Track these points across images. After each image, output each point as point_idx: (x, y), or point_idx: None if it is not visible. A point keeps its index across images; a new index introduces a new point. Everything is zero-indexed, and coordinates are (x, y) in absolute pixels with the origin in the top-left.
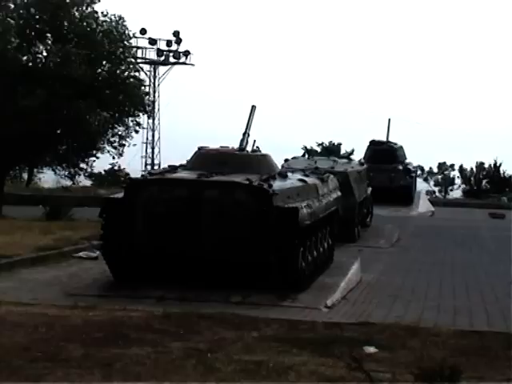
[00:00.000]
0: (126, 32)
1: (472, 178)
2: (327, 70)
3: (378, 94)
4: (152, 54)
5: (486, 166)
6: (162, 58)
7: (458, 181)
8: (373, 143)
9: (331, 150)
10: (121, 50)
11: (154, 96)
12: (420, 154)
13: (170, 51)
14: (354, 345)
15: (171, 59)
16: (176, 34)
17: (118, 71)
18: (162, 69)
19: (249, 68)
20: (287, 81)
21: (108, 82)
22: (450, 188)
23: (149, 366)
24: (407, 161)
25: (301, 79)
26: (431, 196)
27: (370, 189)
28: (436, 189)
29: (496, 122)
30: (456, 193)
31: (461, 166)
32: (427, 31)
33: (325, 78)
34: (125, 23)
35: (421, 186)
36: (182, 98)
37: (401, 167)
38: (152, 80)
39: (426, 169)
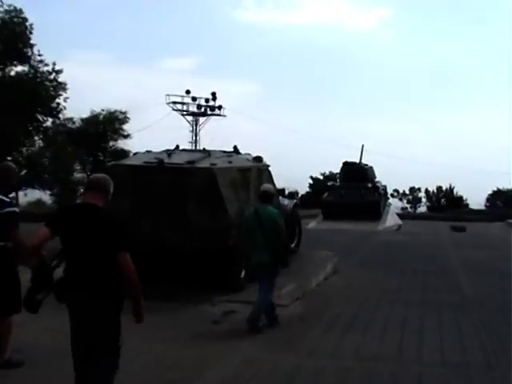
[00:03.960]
0: None
1: (434, 198)
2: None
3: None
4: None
5: (444, 189)
6: (202, 111)
7: (424, 200)
8: (345, 164)
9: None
10: None
11: (196, 140)
12: (396, 180)
13: (207, 106)
14: None
15: (208, 111)
16: (213, 94)
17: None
18: (201, 119)
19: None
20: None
21: None
22: (418, 205)
23: None
24: (376, 180)
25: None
26: (404, 210)
27: (293, 201)
28: (408, 205)
29: (450, 155)
30: (422, 208)
31: (426, 189)
32: (398, 69)
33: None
34: None
35: (396, 203)
36: (218, 142)
37: (370, 185)
38: (194, 127)
39: (401, 191)
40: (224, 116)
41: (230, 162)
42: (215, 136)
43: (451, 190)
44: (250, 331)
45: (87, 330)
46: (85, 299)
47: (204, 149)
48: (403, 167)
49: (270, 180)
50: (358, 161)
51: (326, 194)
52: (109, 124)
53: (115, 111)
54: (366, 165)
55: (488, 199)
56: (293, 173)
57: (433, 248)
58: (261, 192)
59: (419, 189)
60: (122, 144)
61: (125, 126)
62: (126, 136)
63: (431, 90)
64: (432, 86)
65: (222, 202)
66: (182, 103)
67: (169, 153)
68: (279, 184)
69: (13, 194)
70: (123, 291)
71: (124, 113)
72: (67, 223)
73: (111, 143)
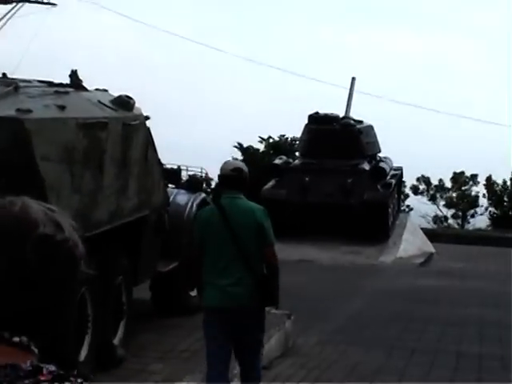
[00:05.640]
0: None
1: (504, 198)
2: None
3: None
4: None
5: None
6: None
7: (483, 201)
8: (314, 119)
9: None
10: None
11: None
12: (426, 158)
13: None
14: None
15: None
16: None
17: None
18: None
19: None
20: None
21: None
22: (472, 212)
23: None
24: (381, 156)
25: None
26: (439, 225)
27: (199, 196)
28: (447, 212)
29: None
30: (481, 219)
31: (488, 179)
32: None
33: None
34: None
35: (423, 207)
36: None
37: (367, 166)
38: None
39: (435, 182)
40: (53, 5)
41: (62, 108)
42: (33, 48)
43: None
44: None
45: None
46: None
47: (4, 75)
48: (437, 128)
49: (151, 147)
50: (342, 114)
51: (270, 183)
52: None
53: None
54: (360, 122)
55: None
56: (200, 137)
57: (498, 307)
58: (226, 171)
59: (474, 177)
60: None
61: None
62: None
63: None
64: None
65: (43, 192)
66: None
67: None
68: (169, 159)
69: None
70: None
71: None
72: None
73: None
